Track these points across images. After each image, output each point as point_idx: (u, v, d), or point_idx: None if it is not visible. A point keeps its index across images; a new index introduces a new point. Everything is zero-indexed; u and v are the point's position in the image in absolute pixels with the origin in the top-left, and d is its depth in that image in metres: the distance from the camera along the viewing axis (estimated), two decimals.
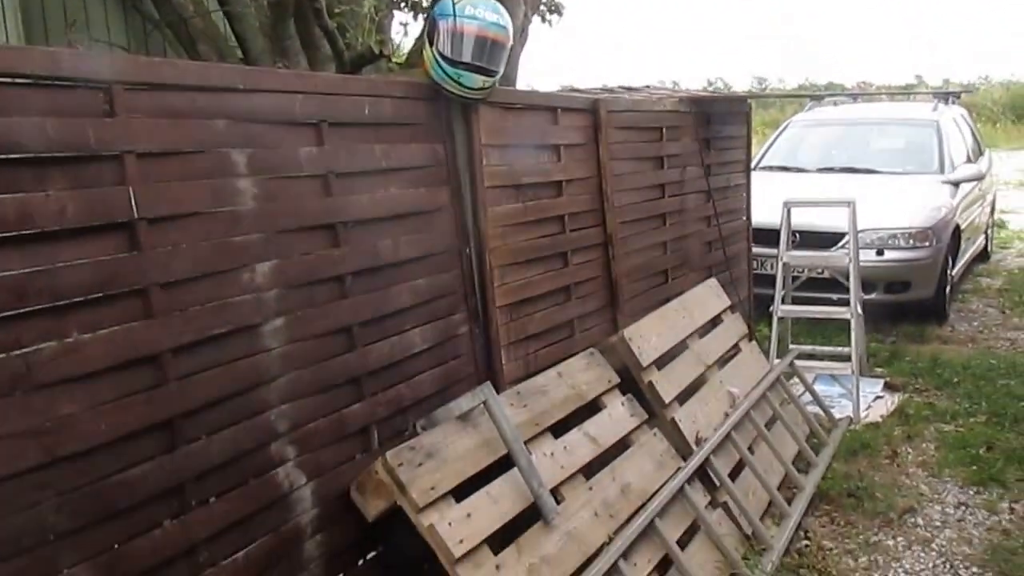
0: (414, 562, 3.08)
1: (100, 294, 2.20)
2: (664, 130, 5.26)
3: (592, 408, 3.78)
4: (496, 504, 3.01)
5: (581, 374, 3.84)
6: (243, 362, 2.58)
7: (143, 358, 2.30)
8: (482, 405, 3.12)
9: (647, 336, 4.24)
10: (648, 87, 6.31)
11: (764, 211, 6.64)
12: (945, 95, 9.71)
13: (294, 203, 2.80)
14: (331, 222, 2.92)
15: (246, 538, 2.58)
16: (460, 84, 3.34)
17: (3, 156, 2.01)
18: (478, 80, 3.36)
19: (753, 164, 7.18)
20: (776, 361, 5.72)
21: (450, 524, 2.82)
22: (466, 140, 3.58)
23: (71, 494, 2.11)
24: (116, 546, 2.22)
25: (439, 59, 3.30)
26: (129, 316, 2.27)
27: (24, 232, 2.04)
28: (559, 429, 3.53)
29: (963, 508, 4.39)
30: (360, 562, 3.02)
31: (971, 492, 4.56)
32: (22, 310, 2.03)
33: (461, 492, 2.96)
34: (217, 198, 2.54)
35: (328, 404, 2.88)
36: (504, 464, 3.13)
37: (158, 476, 2.32)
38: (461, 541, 2.81)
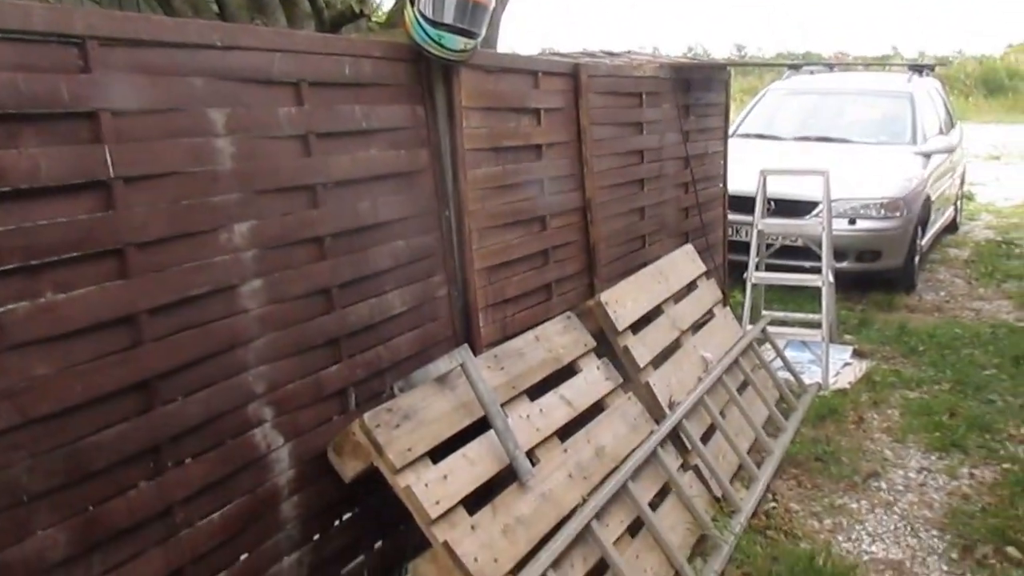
0: (391, 523, 3.11)
1: (75, 254, 2.17)
2: (644, 96, 5.25)
3: (568, 371, 3.80)
4: (472, 466, 3.03)
5: (558, 338, 3.86)
6: (220, 323, 2.56)
7: (119, 319, 2.28)
8: (459, 368, 3.13)
9: (623, 301, 4.26)
10: (629, 52, 6.28)
11: (740, 178, 6.67)
12: (919, 67, 9.74)
13: (272, 163, 2.76)
14: (310, 183, 2.89)
15: (222, 499, 2.58)
16: (441, 46, 3.30)
17: None
18: (459, 42, 3.32)
19: (730, 131, 7.19)
20: (749, 327, 5.78)
21: (426, 485, 2.83)
22: (446, 102, 3.55)
23: (45, 455, 2.10)
24: (91, 507, 2.21)
25: (420, 20, 3.25)
26: (105, 276, 2.25)
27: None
28: (535, 392, 3.55)
29: (925, 473, 4.48)
30: (337, 523, 3.03)
31: (933, 457, 4.64)
32: None
33: (438, 454, 2.98)
34: (194, 158, 2.50)
35: (306, 366, 2.87)
36: (480, 426, 3.15)
37: (134, 437, 2.31)
38: (437, 502, 2.82)
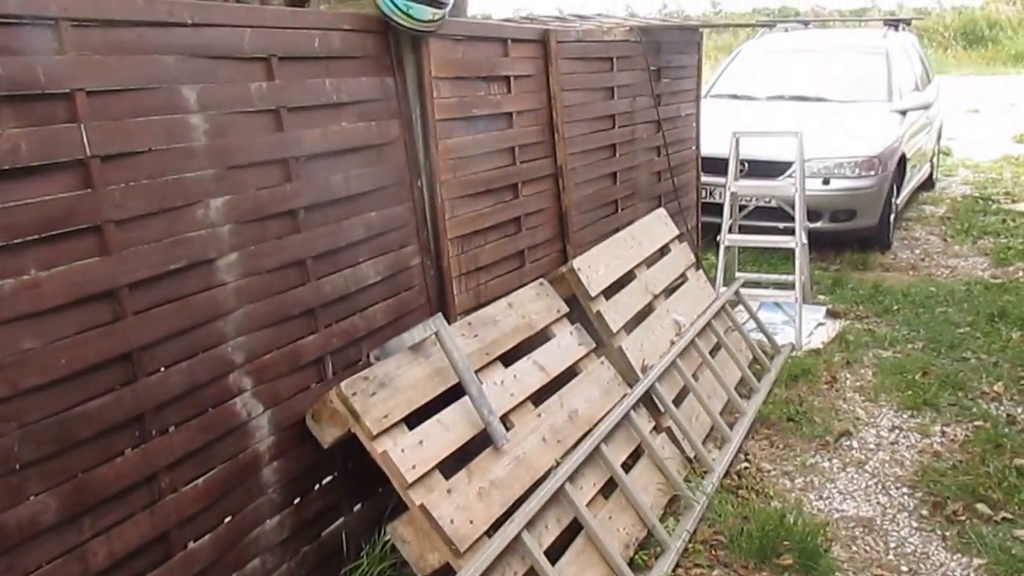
0: (369, 486, 3.21)
1: (56, 231, 2.24)
2: (614, 60, 5.30)
3: (541, 337, 3.89)
4: (447, 431, 3.13)
5: (531, 304, 3.94)
6: (199, 296, 2.64)
7: (101, 293, 2.35)
8: (434, 336, 3.22)
9: (596, 266, 4.35)
10: (599, 15, 6.31)
11: (714, 141, 6.73)
12: (895, 22, 9.78)
13: (246, 138, 2.82)
14: (283, 157, 2.95)
15: (205, 465, 2.67)
16: (410, 16, 3.35)
17: None
18: (428, 12, 3.37)
19: (704, 92, 7.24)
20: (722, 289, 5.87)
21: (403, 451, 2.93)
22: (416, 73, 3.61)
23: (34, 425, 2.18)
24: (80, 474, 2.30)
25: None
26: (85, 253, 2.32)
27: None
28: (509, 358, 3.64)
29: (897, 431, 4.60)
30: (317, 486, 3.13)
31: (905, 416, 4.76)
32: None
33: (413, 420, 3.07)
34: (169, 135, 2.56)
35: (283, 336, 2.95)
36: (455, 392, 3.24)
37: (119, 407, 2.39)
38: (413, 467, 2.92)
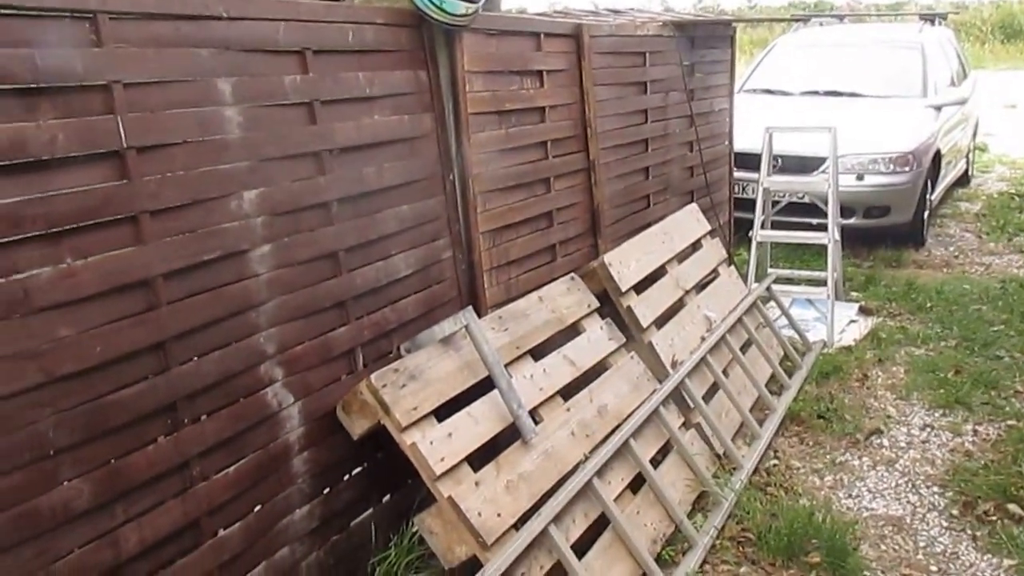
0: (398, 477, 3.23)
1: (92, 221, 2.27)
2: (647, 55, 5.27)
3: (572, 332, 3.89)
4: (476, 424, 3.14)
5: (561, 298, 3.94)
6: (232, 287, 2.66)
7: (136, 283, 2.38)
8: (464, 329, 3.23)
9: (627, 261, 4.34)
10: (633, 9, 6.28)
11: (747, 136, 6.68)
12: (932, 16, 9.64)
13: (279, 131, 2.84)
14: (316, 149, 2.97)
15: (236, 454, 2.70)
16: (443, 10, 3.35)
17: None
18: (461, 6, 3.37)
19: (737, 87, 7.19)
20: (754, 285, 5.84)
21: (431, 443, 2.94)
22: (449, 66, 3.61)
23: (69, 412, 2.21)
24: (112, 460, 2.33)
25: None
26: (121, 242, 2.35)
27: (18, 161, 2.10)
28: (539, 352, 3.64)
29: (928, 430, 4.55)
30: (346, 477, 3.15)
31: (937, 414, 4.70)
32: (18, 237, 2.10)
33: (443, 413, 3.09)
34: (204, 127, 2.59)
35: (315, 327, 2.97)
36: (485, 386, 3.25)
37: (152, 395, 2.43)
38: (442, 459, 2.94)
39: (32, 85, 2.14)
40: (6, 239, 2.08)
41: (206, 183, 2.59)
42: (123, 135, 2.34)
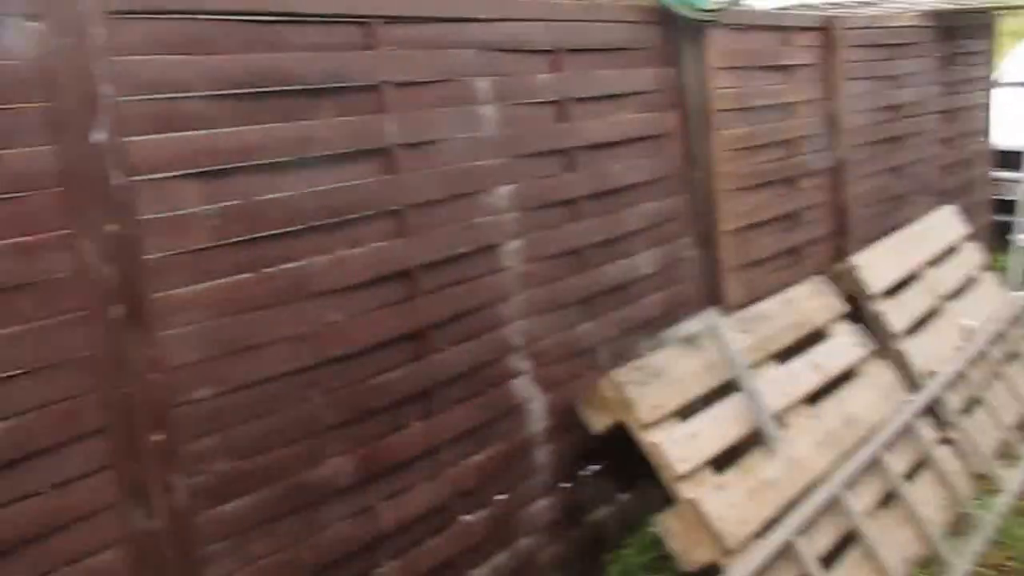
0: (635, 477, 3.21)
1: (362, 214, 2.40)
2: (901, 47, 4.97)
3: (817, 336, 3.74)
4: (719, 427, 3.07)
5: (806, 301, 3.79)
6: (484, 280, 2.74)
7: (397, 273, 2.50)
8: (707, 329, 3.17)
9: (876, 264, 4.12)
10: (883, 1, 5.94)
11: (1007, 132, 6.16)
12: None
13: (532, 129, 2.90)
14: (566, 147, 3.01)
15: (483, 443, 2.78)
16: (693, 5, 3.30)
17: (284, 87, 2.22)
18: (711, 0, 3.32)
19: (995, 80, 6.64)
20: (1018, 294, 5.37)
21: (673, 443, 2.91)
22: (695, 63, 3.55)
23: (336, 393, 2.36)
24: (372, 441, 2.46)
25: None
26: (385, 234, 2.47)
27: (301, 156, 2.26)
28: (783, 356, 3.52)
29: None
30: (584, 473, 3.16)
31: None
32: (298, 227, 2.26)
33: (684, 413, 3.04)
34: (463, 125, 2.68)
35: (560, 322, 3.01)
36: (727, 388, 3.18)
37: (408, 381, 2.54)
38: (684, 460, 2.90)
39: (314, 86, 2.29)
40: (288, 229, 2.24)
41: (463, 179, 2.68)
42: (391, 133, 2.46)
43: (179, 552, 2.05)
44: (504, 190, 2.79)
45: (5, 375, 1.79)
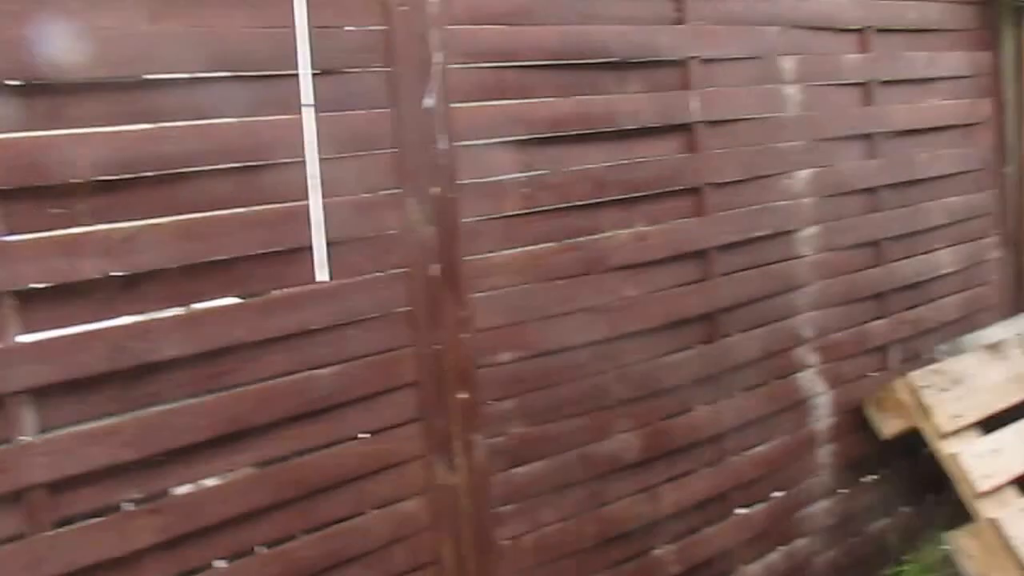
0: (918, 490, 3.00)
1: (662, 190, 2.38)
2: None
3: None
4: None
5: None
6: (777, 266, 2.65)
7: (693, 253, 2.45)
8: (1016, 337, 2.90)
9: None
10: None
11: None
12: None
13: (834, 111, 2.78)
14: (869, 132, 2.86)
15: (766, 435, 2.68)
16: None
17: (595, 60, 2.23)
18: None
19: None
20: None
21: (975, 457, 2.68)
22: (1015, 48, 3.27)
23: (627, 368, 2.34)
24: (658, 421, 2.43)
25: None
26: (684, 212, 2.43)
27: (608, 129, 2.26)
28: None
29: None
30: (865, 479, 2.99)
31: None
32: (602, 200, 2.27)
33: (986, 426, 2.80)
34: (764, 104, 2.60)
35: (851, 317, 2.86)
36: None
37: (697, 364, 2.49)
38: (986, 476, 2.66)
39: (622, 59, 2.29)
40: (592, 201, 2.25)
41: (763, 160, 2.59)
42: (695, 109, 2.41)
43: (475, 509, 2.11)
44: (803, 174, 2.68)
45: (338, 323, 1.90)
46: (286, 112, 1.79)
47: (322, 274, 1.84)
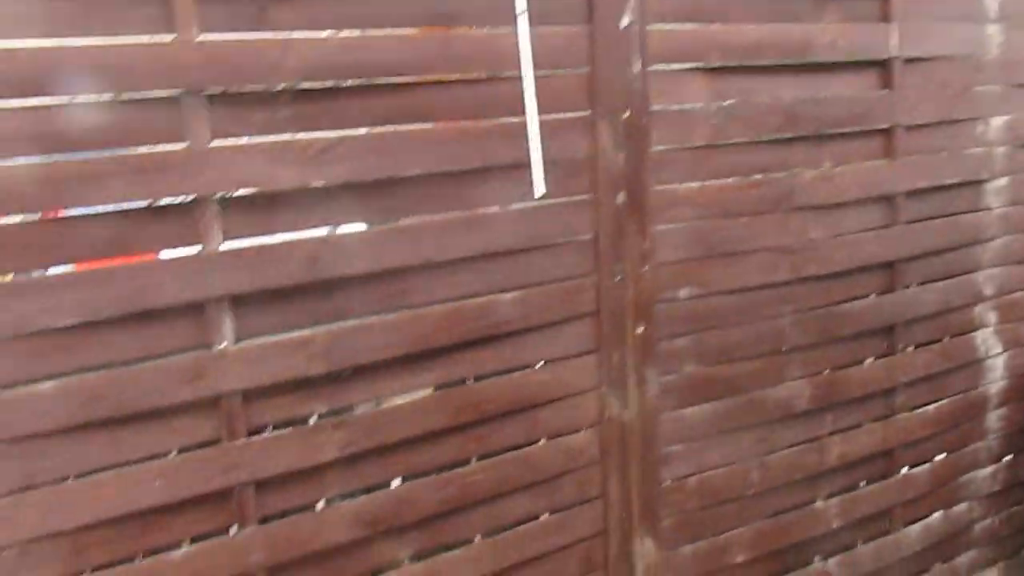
0: None
1: (852, 129, 2.25)
2: None
3: None
4: None
5: None
6: (964, 217, 2.49)
7: (879, 197, 2.32)
8: None
9: None
10: None
11: None
12: None
13: None
14: None
15: (937, 393, 2.55)
16: None
17: None
18: None
19: None
20: None
21: None
22: None
23: (805, 313, 2.25)
24: (830, 370, 2.33)
25: None
26: (873, 153, 2.30)
27: (803, 62, 2.14)
28: None
29: None
30: None
31: None
32: (791, 136, 2.16)
33: None
34: (966, 43, 2.42)
35: None
36: None
37: (874, 314, 2.37)
38: None
39: None
40: (780, 136, 2.15)
41: (958, 103, 2.43)
42: (893, 44, 2.27)
43: (643, 446, 2.07)
44: (999, 121, 2.50)
45: (523, 247, 1.86)
46: (495, 23, 1.74)
47: (539, 190, 1.80)
